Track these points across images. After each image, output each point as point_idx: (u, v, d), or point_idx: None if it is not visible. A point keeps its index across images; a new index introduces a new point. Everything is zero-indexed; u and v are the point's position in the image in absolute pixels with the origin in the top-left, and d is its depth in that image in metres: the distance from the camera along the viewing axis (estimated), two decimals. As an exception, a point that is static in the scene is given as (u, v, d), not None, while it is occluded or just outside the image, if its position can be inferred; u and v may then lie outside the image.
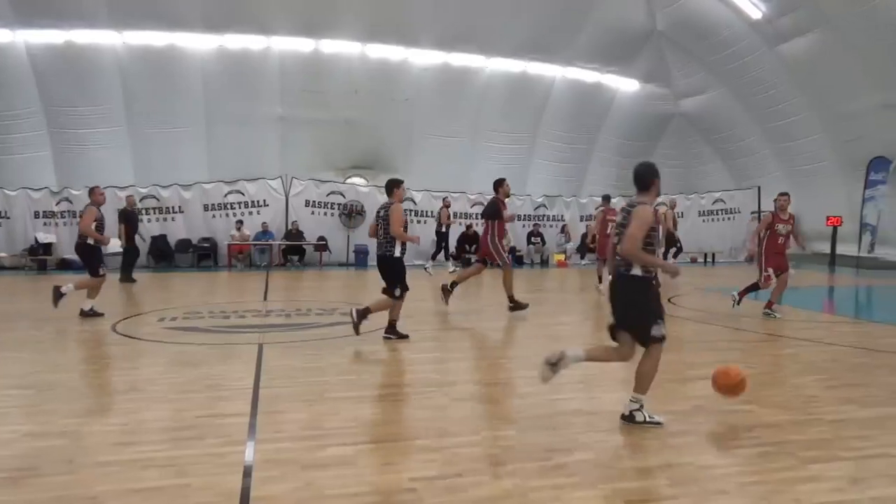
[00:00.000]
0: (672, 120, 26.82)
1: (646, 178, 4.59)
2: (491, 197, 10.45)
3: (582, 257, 20.72)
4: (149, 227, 17.88)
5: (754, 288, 9.56)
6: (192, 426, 4.36)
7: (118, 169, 19.33)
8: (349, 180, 22.05)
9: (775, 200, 9.78)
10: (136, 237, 14.96)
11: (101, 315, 8.86)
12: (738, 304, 9.64)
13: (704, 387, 5.53)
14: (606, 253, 12.25)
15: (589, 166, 26.25)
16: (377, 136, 22.66)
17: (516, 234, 20.60)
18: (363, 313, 7.35)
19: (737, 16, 21.62)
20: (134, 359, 6.54)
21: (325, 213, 19.42)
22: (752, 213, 22.41)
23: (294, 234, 18.64)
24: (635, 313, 4.52)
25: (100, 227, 9.00)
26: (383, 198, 20.60)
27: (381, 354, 6.82)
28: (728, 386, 4.68)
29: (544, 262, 20.54)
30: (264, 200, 19.07)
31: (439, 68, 22.28)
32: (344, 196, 19.52)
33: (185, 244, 18.41)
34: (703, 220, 23.43)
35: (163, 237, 18.33)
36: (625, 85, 25.30)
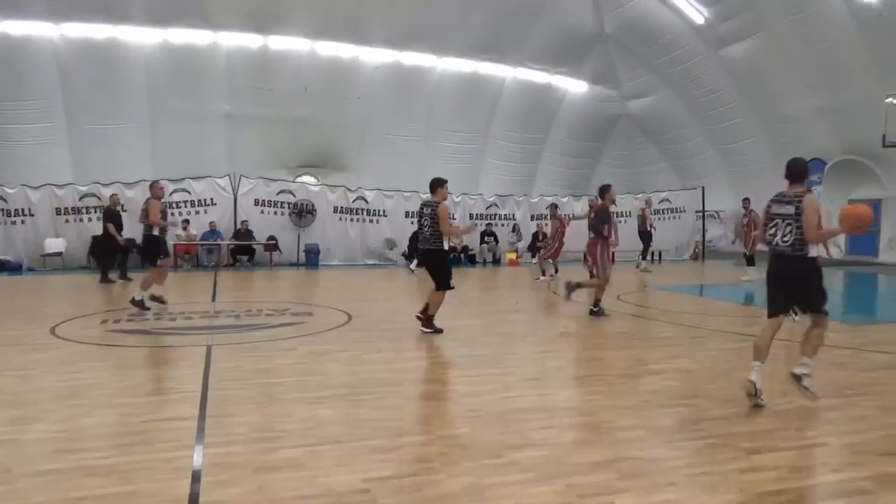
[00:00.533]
0: (620, 121, 27.41)
1: (802, 172, 5.24)
2: (588, 199, 10.28)
3: (533, 256, 20.93)
4: (89, 227, 17.26)
5: None
6: (138, 431, 4.22)
7: (56, 166, 18.64)
8: (299, 179, 21.77)
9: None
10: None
11: (165, 303, 9.66)
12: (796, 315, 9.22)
13: (653, 382, 5.68)
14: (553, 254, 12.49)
15: (539, 166, 26.61)
16: (328, 135, 22.44)
17: (469, 234, 20.70)
18: (428, 320, 7.84)
19: (681, 20, 22.25)
20: (75, 363, 6.29)
21: (275, 213, 19.10)
22: (697, 212, 23.10)
23: (243, 233, 18.27)
24: (820, 289, 5.02)
25: (163, 217, 9.91)
26: (334, 197, 20.58)
27: (334, 355, 6.75)
28: (854, 215, 5.10)
29: (496, 261, 20.69)
30: (212, 199, 18.62)
31: (391, 67, 22.21)
32: (294, 195, 19.23)
33: (128, 244, 17.73)
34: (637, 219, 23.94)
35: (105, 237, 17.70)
36: (574, 86, 25.73)
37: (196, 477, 3.49)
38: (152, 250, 9.81)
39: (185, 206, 18.35)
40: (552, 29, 23.07)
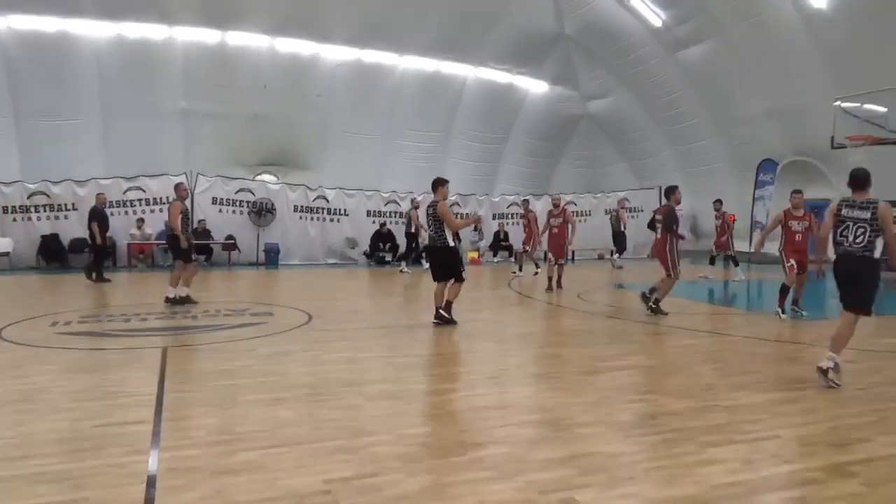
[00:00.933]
0: (580, 121, 27.74)
1: (866, 179, 5.69)
2: (664, 204, 10.29)
3: (494, 255, 21.05)
4: (38, 227, 16.73)
5: (787, 291, 9.26)
6: (90, 436, 4.10)
7: (3, 163, 18.00)
8: (259, 177, 21.46)
9: (790, 199, 9.76)
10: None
11: (196, 303, 10.02)
12: (784, 314, 9.20)
13: (612, 378, 5.77)
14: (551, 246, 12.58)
15: (501, 165, 26.77)
16: (288, 133, 22.18)
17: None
18: (446, 311, 8.28)
19: (639, 23, 22.62)
20: (23, 366, 6.08)
21: (234, 212, 18.80)
22: (654, 211, 23.53)
23: (200, 232, 17.91)
24: (872, 289, 5.52)
25: (185, 219, 10.34)
26: (294, 195, 20.34)
27: (295, 355, 6.67)
28: None
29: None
30: (168, 197, 18.19)
31: (352, 65, 22.06)
32: (253, 194, 18.95)
33: (79, 244, 17.25)
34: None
35: (54, 236, 17.19)
36: (535, 86, 25.95)
37: (151, 482, 3.41)
38: (177, 250, 10.32)
39: (140, 205, 17.93)
40: (513, 29, 23.22)
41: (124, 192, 17.97)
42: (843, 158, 16.98)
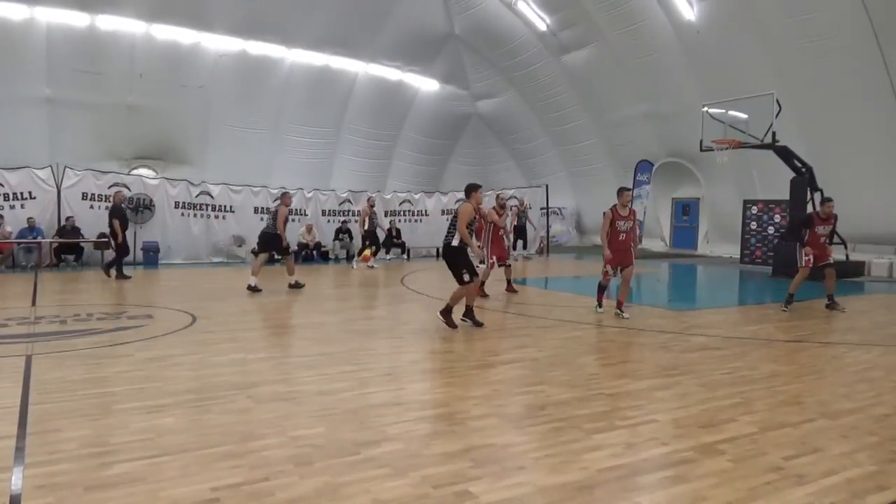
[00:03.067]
0: (470, 120, 28.25)
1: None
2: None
3: (387, 252, 20.99)
4: None
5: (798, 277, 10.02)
6: (-61, 456, 3.69)
7: None
8: (135, 172, 20.18)
9: (821, 205, 10.31)
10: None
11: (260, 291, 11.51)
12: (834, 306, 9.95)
13: (502, 371, 5.92)
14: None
15: (392, 162, 26.76)
16: (167, 125, 21.04)
17: (322, 230, 20.33)
18: (446, 313, 8.06)
19: (526, 26, 23.34)
20: None
21: (107, 208, 17.44)
22: (542, 209, 24.36)
23: (69, 230, 16.59)
24: None
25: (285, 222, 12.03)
26: (175, 191, 19.35)
27: (177, 359, 6.33)
28: None
29: (350, 258, 20.49)
30: (30, 192, 16.71)
31: (236, 56, 21.27)
32: (129, 189, 17.78)
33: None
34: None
35: None
36: (426, 84, 26.14)
37: (15, 502, 3.12)
38: (278, 244, 12.01)
39: (-2, 200, 16.36)
40: (403, 27, 23.27)
41: (-22, 186, 16.34)
42: (710, 160, 18.38)
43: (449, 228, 8.14)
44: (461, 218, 7.95)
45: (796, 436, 4.22)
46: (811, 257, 9.97)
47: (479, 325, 8.22)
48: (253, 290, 11.61)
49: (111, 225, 14.02)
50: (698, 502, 3.24)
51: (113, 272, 13.93)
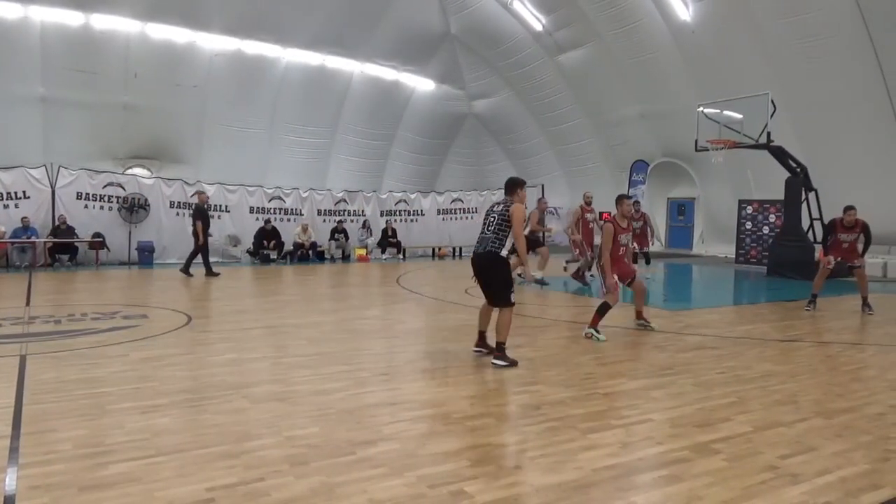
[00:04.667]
0: (466, 120, 28.23)
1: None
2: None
3: (383, 252, 20.99)
4: None
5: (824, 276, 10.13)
6: (-67, 457, 3.68)
7: None
8: (130, 171, 20.11)
9: (844, 213, 10.11)
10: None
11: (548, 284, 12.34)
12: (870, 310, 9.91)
13: (499, 371, 5.92)
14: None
15: (388, 162, 26.74)
16: (162, 125, 20.96)
17: (318, 230, 20.31)
18: (500, 351, 6.18)
19: (521, 26, 23.34)
20: None
21: (102, 207, 17.49)
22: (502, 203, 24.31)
23: (63, 230, 16.54)
24: None
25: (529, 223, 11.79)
26: (170, 191, 19.26)
27: (172, 359, 6.31)
28: None
29: (346, 258, 20.49)
30: (24, 192, 16.64)
31: (232, 55, 21.21)
32: (124, 188, 17.72)
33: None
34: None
35: None
36: (421, 84, 26.12)
37: (9, 502, 3.11)
38: (531, 243, 11.70)
39: (-8, 200, 16.28)
40: (399, 26, 23.25)
41: (-28, 186, 16.26)
42: (705, 160, 18.42)
43: (496, 233, 6.35)
44: (517, 221, 6.35)
45: (791, 435, 4.24)
46: (831, 258, 9.99)
47: (513, 363, 6.17)
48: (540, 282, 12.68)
49: (194, 225, 14.55)
50: (693, 501, 3.24)
51: (191, 271, 14.58)
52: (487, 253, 6.33)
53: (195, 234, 14.53)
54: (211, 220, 18.77)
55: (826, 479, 3.54)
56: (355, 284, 14.35)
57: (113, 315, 8.91)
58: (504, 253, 6.33)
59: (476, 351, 6.63)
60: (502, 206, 6.48)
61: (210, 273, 14.53)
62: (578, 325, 8.52)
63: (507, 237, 6.32)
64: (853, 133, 16.84)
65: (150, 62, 19.80)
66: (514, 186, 6.57)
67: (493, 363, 6.13)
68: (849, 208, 9.97)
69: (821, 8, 15.98)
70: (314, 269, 17.43)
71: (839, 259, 9.97)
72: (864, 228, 9.97)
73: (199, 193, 15.73)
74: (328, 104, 23.79)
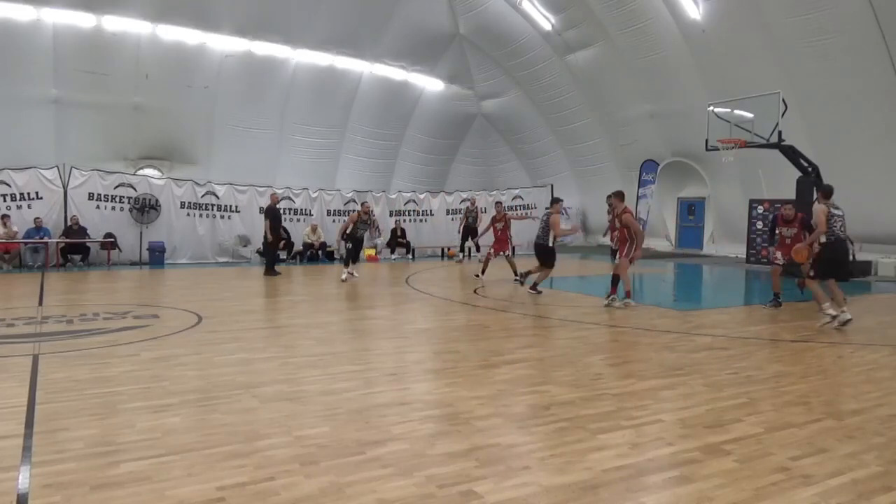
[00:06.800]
0: (475, 120, 28.21)
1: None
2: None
3: (392, 252, 21.02)
4: None
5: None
6: (-53, 455, 3.72)
7: None
8: (141, 172, 20.25)
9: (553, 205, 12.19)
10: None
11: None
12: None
13: (507, 371, 5.91)
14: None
15: (397, 162, 26.76)
16: (173, 126, 21.09)
17: (327, 230, 20.34)
18: (525, 275, 11.91)
19: (531, 26, 23.29)
20: None
21: (113, 208, 17.62)
22: (546, 208, 24.35)
23: (75, 230, 16.67)
24: None
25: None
26: (181, 191, 19.45)
27: (183, 359, 6.35)
28: None
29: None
30: (37, 193, 16.79)
31: (242, 56, 21.29)
32: (135, 189, 17.84)
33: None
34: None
35: None
36: (430, 84, 26.12)
37: (22, 501, 3.14)
38: (550, 255, 12.24)
39: (5, 201, 16.42)
40: (408, 26, 23.26)
41: (-13, 187, 16.42)
42: (716, 159, 18.32)
43: (544, 231, 11.56)
44: (556, 225, 11.47)
45: (802, 436, 4.21)
46: (778, 255, 10.21)
47: (540, 292, 11.50)
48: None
49: (266, 225, 15.19)
50: (704, 503, 3.23)
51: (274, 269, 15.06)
52: (541, 244, 11.60)
53: (265, 233, 15.26)
54: (222, 220, 18.98)
55: (838, 480, 3.51)
56: (364, 285, 14.37)
57: (124, 315, 8.97)
58: (550, 243, 11.54)
59: (526, 285, 11.90)
60: (547, 214, 11.72)
61: (269, 272, 14.85)
62: (588, 326, 8.50)
63: (549, 233, 11.46)
64: (865, 132, 16.68)
65: (161, 63, 19.91)
66: (555, 201, 12.19)
67: (529, 290, 11.44)
68: (786, 203, 10.53)
69: (832, 6, 15.84)
70: (324, 269, 17.48)
71: (787, 257, 9.83)
72: (803, 222, 9.91)
73: (272, 194, 16.65)
74: (337, 104, 23.84)
